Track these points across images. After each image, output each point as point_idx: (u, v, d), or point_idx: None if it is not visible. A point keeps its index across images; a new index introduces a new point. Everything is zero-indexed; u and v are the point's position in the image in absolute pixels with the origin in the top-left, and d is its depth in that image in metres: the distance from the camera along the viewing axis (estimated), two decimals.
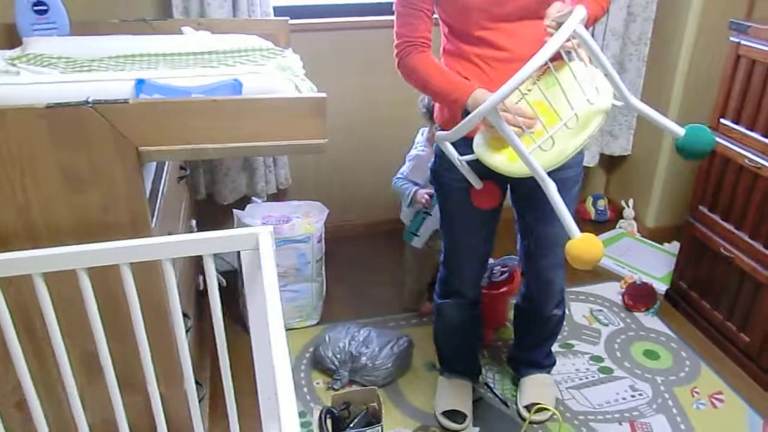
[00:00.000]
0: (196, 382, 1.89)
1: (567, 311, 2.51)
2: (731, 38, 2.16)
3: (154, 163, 1.60)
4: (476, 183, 1.52)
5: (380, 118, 2.85)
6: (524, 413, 1.99)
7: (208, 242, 1.26)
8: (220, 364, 1.39)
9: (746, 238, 2.17)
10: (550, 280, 1.78)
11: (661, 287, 2.65)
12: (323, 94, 1.27)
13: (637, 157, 3.10)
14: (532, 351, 2.04)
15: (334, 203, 2.95)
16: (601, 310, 2.55)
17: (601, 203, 3.21)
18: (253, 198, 2.49)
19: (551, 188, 1.27)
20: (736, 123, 2.18)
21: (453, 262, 1.81)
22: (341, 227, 3.00)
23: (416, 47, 1.49)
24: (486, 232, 1.74)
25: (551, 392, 2.05)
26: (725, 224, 2.27)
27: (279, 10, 2.57)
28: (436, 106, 1.66)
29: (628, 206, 3.13)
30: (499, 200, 1.58)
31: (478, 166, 1.46)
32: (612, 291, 2.66)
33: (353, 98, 2.78)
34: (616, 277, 2.73)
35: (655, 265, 2.80)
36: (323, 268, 2.44)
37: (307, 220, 2.28)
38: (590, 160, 3.04)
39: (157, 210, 1.45)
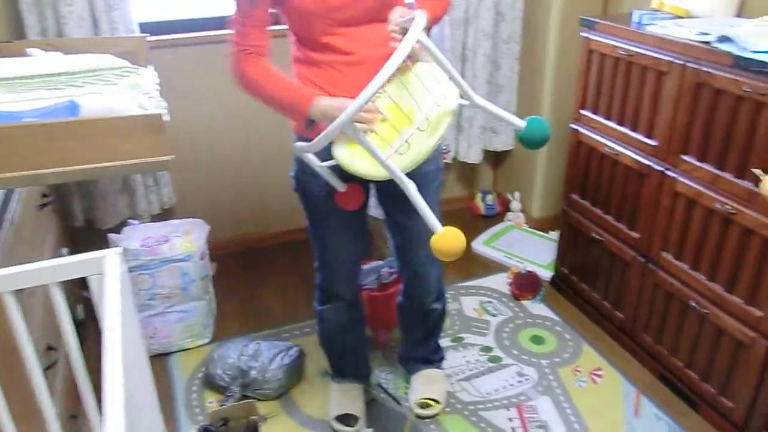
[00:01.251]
0: (73, 416, 1.82)
1: (458, 306, 2.59)
2: (582, 34, 2.28)
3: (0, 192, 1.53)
4: (339, 186, 1.54)
5: (261, 129, 2.83)
6: (416, 409, 2.03)
7: (51, 270, 1.21)
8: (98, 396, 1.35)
9: (612, 221, 2.30)
10: (424, 275, 1.82)
11: (547, 274, 2.77)
12: (160, 111, 1.26)
13: (519, 152, 3.22)
14: (419, 347, 2.08)
15: (225, 218, 2.92)
16: (490, 302, 2.63)
17: (490, 198, 3.32)
18: (129, 220, 2.42)
19: (411, 189, 1.31)
20: (595, 113, 2.31)
21: (327, 266, 1.83)
22: (233, 241, 2.97)
23: (251, 54, 1.49)
24: (355, 232, 1.76)
25: (441, 386, 2.10)
26: (595, 210, 2.39)
27: (146, 26, 2.53)
28: None
29: (514, 199, 3.25)
30: (363, 200, 1.61)
31: (339, 168, 1.48)
32: (501, 282, 2.75)
33: (233, 111, 2.76)
34: (505, 269, 2.82)
35: (541, 253, 2.92)
36: (210, 285, 2.41)
37: (188, 238, 2.24)
38: (474, 157, 3.14)
39: (1, 242, 1.39)
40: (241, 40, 1.49)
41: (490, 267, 2.88)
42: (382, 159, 1.30)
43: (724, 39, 1.75)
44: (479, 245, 3.01)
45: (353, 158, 1.41)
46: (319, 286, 1.88)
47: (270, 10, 1.49)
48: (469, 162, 3.16)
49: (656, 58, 1.97)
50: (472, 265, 2.89)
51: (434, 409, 2.03)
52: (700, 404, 2.05)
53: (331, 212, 1.66)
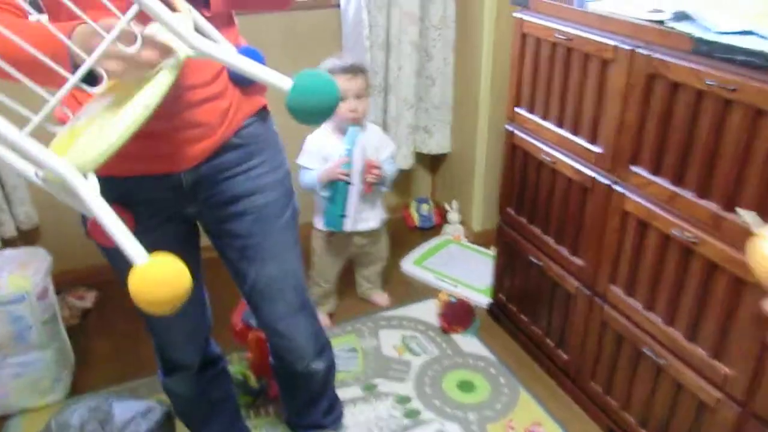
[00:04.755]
0: None
1: (376, 342, 2.17)
2: (515, 14, 1.87)
3: None
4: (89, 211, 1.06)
5: None
6: None
7: None
8: None
9: (552, 243, 1.89)
10: (289, 334, 1.38)
11: (483, 300, 2.35)
12: None
13: (457, 155, 2.80)
14: (305, 414, 1.64)
15: None
16: (414, 337, 2.21)
17: (426, 208, 2.89)
18: None
19: (82, 191, 0.81)
20: (531, 112, 1.89)
21: (156, 329, 1.37)
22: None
23: None
24: None
25: None
26: (532, 228, 1.98)
27: None
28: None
29: (452, 209, 2.83)
30: (131, 228, 1.12)
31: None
32: (429, 311, 2.33)
33: None
34: (436, 293, 2.40)
35: (479, 274, 2.50)
36: (62, 328, 1.95)
37: (21, 273, 1.77)
38: (403, 160, 2.70)
39: None
40: None
41: (420, 291, 2.46)
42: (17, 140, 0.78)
43: (682, 16, 1.34)
44: (408, 264, 2.59)
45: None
46: (156, 351, 1.44)
47: None
48: (402, 168, 2.73)
49: (599, 42, 1.55)
50: (398, 288, 2.47)
51: None
52: None
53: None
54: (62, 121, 1.09)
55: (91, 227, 1.04)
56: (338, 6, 2.47)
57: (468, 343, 2.18)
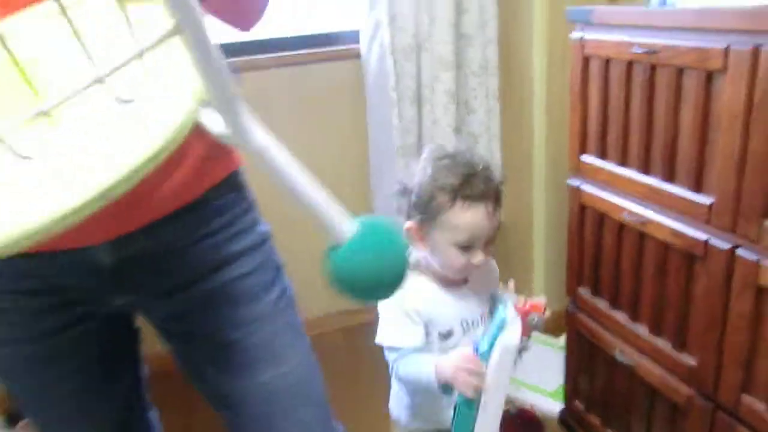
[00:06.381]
0: None
1: None
2: (573, 34, 1.44)
3: None
4: None
5: None
6: None
7: None
8: None
9: (645, 334, 1.38)
10: None
11: (555, 407, 1.82)
12: None
13: (510, 223, 2.33)
14: None
15: None
16: None
17: None
18: None
19: None
20: (602, 158, 1.44)
21: None
22: None
23: None
24: (100, 417, 0.88)
25: None
26: (615, 313, 1.48)
27: None
28: None
29: (507, 289, 2.33)
30: None
31: None
32: None
33: None
34: None
35: (547, 373, 1.97)
36: None
37: None
38: None
39: None
40: None
41: None
42: None
43: None
44: None
45: None
46: None
47: None
48: None
49: (699, 48, 1.10)
50: None
51: None
52: None
53: (40, 385, 0.79)
54: None
55: None
56: (359, 57, 2.12)
57: None
